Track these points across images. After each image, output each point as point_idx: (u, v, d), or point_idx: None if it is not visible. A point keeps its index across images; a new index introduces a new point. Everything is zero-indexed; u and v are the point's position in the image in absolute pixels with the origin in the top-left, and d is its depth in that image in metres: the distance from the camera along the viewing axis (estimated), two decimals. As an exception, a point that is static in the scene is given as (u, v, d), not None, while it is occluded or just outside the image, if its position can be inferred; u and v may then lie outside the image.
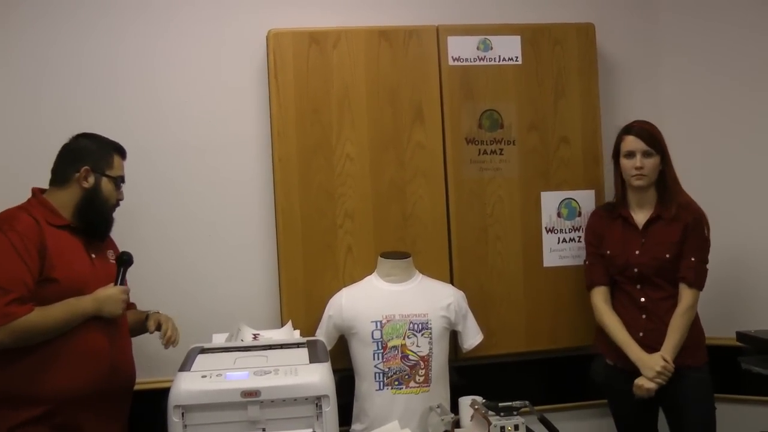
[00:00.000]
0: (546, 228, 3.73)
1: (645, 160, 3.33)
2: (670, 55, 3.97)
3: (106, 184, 3.00)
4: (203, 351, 2.91)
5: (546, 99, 3.73)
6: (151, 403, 3.37)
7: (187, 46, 3.59)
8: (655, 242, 3.36)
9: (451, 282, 3.60)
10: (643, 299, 3.38)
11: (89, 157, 2.98)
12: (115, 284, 2.98)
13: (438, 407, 3.19)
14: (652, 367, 3.26)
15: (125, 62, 3.54)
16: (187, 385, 2.57)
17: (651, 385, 3.27)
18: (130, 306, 3.23)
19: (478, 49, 3.67)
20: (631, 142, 3.35)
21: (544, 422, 3.07)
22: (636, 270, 3.37)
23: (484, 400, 3.15)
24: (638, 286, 3.39)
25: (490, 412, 3.04)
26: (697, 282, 3.32)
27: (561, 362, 3.83)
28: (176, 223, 3.57)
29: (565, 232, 3.74)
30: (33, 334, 2.74)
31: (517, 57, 3.70)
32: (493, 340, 3.61)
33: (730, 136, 3.59)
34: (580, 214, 3.75)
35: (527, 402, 3.09)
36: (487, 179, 3.67)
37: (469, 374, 3.60)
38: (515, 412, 3.04)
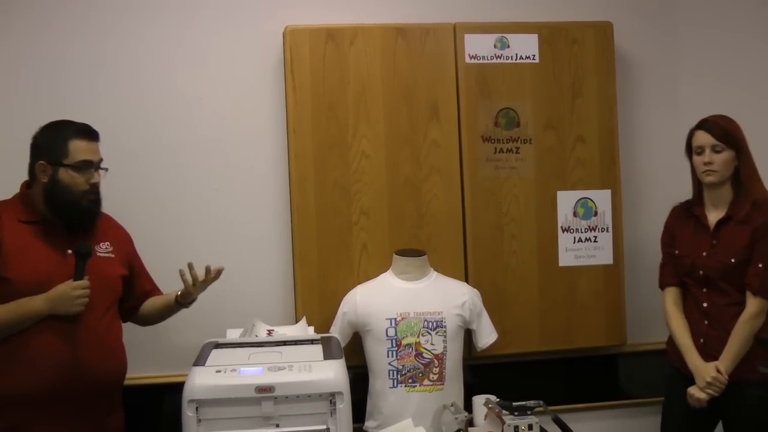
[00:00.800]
0: (562, 227, 3.71)
1: (714, 155, 3.19)
2: (688, 54, 3.94)
3: (63, 174, 2.87)
4: (218, 346, 2.91)
5: (563, 98, 3.71)
6: (162, 397, 3.41)
7: (205, 42, 3.59)
8: (723, 245, 3.21)
9: (466, 280, 3.59)
10: (705, 304, 3.26)
11: (42, 150, 2.90)
12: (74, 280, 2.83)
13: (452, 406, 3.19)
14: (703, 376, 3.16)
15: (143, 58, 3.55)
16: (202, 380, 2.57)
17: (702, 396, 3.17)
18: (155, 292, 3.25)
19: (495, 47, 3.65)
20: (700, 137, 3.23)
21: (558, 422, 3.06)
22: (701, 273, 3.25)
23: (497, 399, 3.15)
24: (704, 290, 3.27)
25: (504, 412, 3.04)
26: (763, 290, 3.13)
27: (575, 362, 3.82)
28: (191, 218, 3.57)
29: (581, 232, 3.72)
30: None
31: (534, 55, 3.68)
32: (507, 339, 3.60)
33: (750, 137, 3.55)
34: (596, 214, 3.73)
35: (541, 402, 3.08)
36: (503, 178, 3.66)
37: (483, 373, 3.61)
38: (529, 412, 3.03)
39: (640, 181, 3.88)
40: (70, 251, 2.87)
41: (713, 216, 3.28)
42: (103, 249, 3.01)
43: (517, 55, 3.67)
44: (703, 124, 3.25)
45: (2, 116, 3.42)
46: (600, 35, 3.73)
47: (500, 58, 3.65)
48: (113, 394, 3.01)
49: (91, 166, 2.93)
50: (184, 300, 3.15)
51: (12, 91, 3.47)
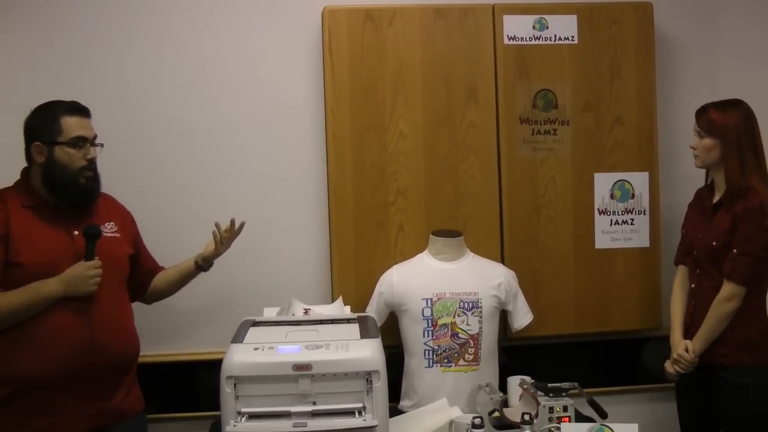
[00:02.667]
0: (599, 209, 3.68)
1: (697, 139, 3.26)
2: (728, 36, 3.89)
3: (59, 152, 2.86)
4: (255, 324, 2.91)
5: (601, 79, 3.67)
6: (202, 373, 3.43)
7: (245, 22, 3.58)
8: (712, 228, 3.26)
9: (502, 261, 3.57)
10: (693, 285, 3.33)
11: (36, 131, 2.88)
12: (85, 260, 2.84)
13: (487, 386, 3.18)
14: (673, 352, 3.28)
15: (182, 40, 3.56)
16: (240, 357, 2.57)
17: (671, 370, 3.28)
18: (158, 269, 3.28)
19: (533, 28, 3.61)
20: (695, 121, 3.29)
21: (593, 405, 3.05)
22: (695, 253, 3.31)
23: (532, 381, 3.14)
24: (697, 271, 3.32)
25: (539, 393, 3.03)
26: (734, 275, 3.14)
27: (610, 345, 3.80)
28: (231, 198, 3.58)
29: (618, 214, 3.69)
30: None
31: (573, 36, 3.64)
32: (543, 320, 3.58)
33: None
34: (633, 196, 3.69)
35: (576, 384, 3.08)
36: (540, 159, 3.63)
37: (518, 354, 3.60)
38: (564, 394, 3.03)
39: (678, 163, 3.82)
40: (77, 232, 2.87)
41: (715, 199, 3.31)
42: (109, 229, 3.00)
43: (555, 36, 3.63)
44: (699, 109, 3.30)
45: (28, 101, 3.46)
46: (640, 16, 3.68)
47: (539, 39, 3.62)
48: (128, 373, 3.01)
49: (86, 141, 2.91)
50: (205, 263, 3.24)
51: (43, 70, 3.49)
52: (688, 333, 3.29)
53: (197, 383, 3.51)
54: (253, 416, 2.54)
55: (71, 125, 2.88)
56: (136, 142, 3.50)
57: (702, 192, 3.40)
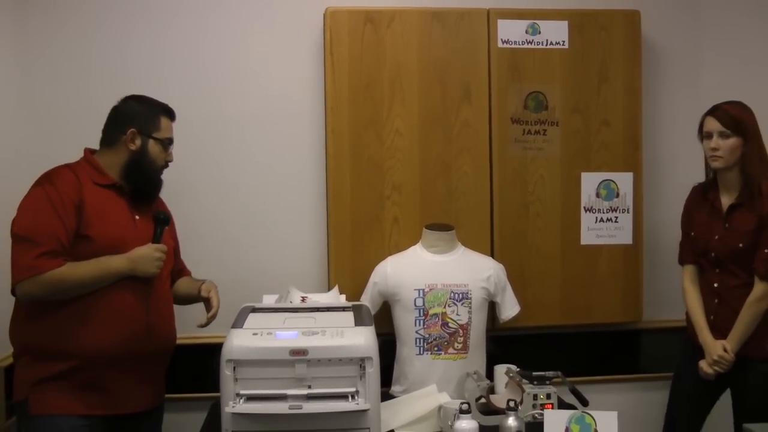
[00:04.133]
0: (585, 207, 3.67)
1: (721, 141, 3.17)
2: (712, 44, 3.87)
3: (152, 146, 2.88)
4: (254, 310, 2.91)
5: (590, 83, 3.66)
6: (202, 356, 3.42)
7: (248, 22, 3.57)
8: (733, 229, 3.20)
9: (492, 255, 3.56)
10: (716, 284, 3.27)
11: (136, 120, 2.87)
12: (153, 243, 2.84)
13: (474, 373, 3.18)
14: (711, 354, 3.20)
15: (187, 38, 3.54)
16: (239, 341, 2.57)
17: (710, 371, 3.21)
18: (185, 273, 3.21)
19: (526, 32, 3.60)
20: (710, 123, 3.21)
21: (575, 393, 3.05)
22: (713, 254, 3.25)
23: (518, 369, 3.14)
24: (716, 270, 3.27)
25: (524, 381, 3.03)
26: None
27: (593, 337, 3.80)
28: (234, 190, 3.57)
29: (603, 212, 3.68)
30: (62, 288, 2.65)
31: (564, 41, 3.62)
32: (529, 312, 3.57)
33: (766, 128, 3.49)
34: (618, 195, 3.69)
35: (559, 373, 3.09)
36: (530, 158, 3.62)
37: (505, 344, 3.59)
38: (548, 382, 3.04)
39: (661, 165, 3.83)
40: (137, 217, 2.87)
41: (725, 200, 3.27)
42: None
43: (547, 40, 3.61)
44: (714, 111, 3.24)
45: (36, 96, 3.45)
46: (628, 23, 3.67)
47: (531, 43, 3.60)
48: (168, 357, 3.00)
49: (171, 144, 2.96)
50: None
51: (50, 65, 3.48)
52: (715, 329, 3.24)
53: (198, 366, 3.50)
54: (251, 398, 2.54)
55: (166, 126, 2.93)
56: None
57: (708, 193, 3.33)
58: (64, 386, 2.69)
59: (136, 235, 2.82)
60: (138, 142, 2.85)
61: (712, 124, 3.21)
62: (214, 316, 2.98)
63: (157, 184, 2.96)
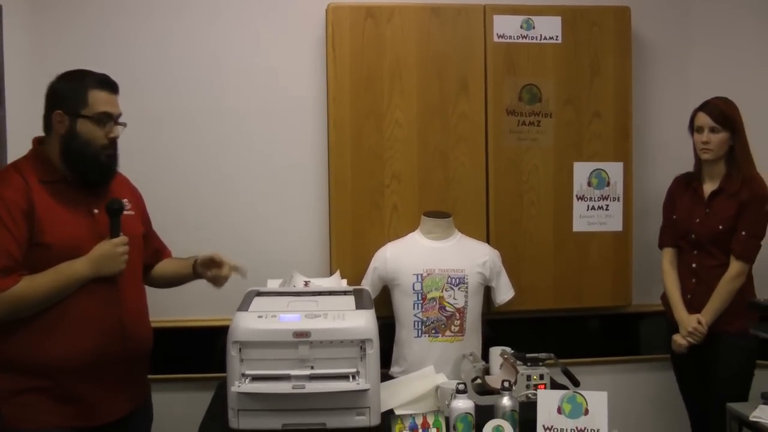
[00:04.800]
0: (577, 196, 3.69)
1: (711, 135, 3.30)
2: (699, 40, 3.88)
3: (82, 126, 2.49)
4: (259, 294, 2.93)
5: (582, 76, 3.66)
6: (209, 338, 3.44)
7: (253, 16, 3.57)
8: (714, 213, 3.33)
9: (487, 242, 3.57)
10: (694, 265, 3.40)
11: (61, 100, 2.50)
12: (110, 238, 2.51)
13: (470, 355, 3.20)
14: (686, 326, 3.33)
15: (194, 32, 3.55)
16: (245, 324, 2.59)
17: (683, 342, 3.34)
18: (165, 254, 2.97)
19: (521, 27, 3.60)
20: (701, 118, 3.34)
21: (567, 374, 3.07)
22: (694, 237, 3.38)
23: (512, 351, 3.16)
24: (694, 252, 3.40)
25: (518, 362, 3.05)
26: (744, 255, 3.28)
27: (585, 319, 3.82)
28: (239, 178, 3.58)
29: (594, 200, 3.69)
30: (24, 307, 2.38)
31: (557, 36, 3.63)
32: (523, 296, 3.59)
33: (753, 118, 3.50)
34: (608, 184, 3.70)
35: (552, 354, 3.11)
36: (524, 149, 3.63)
37: (500, 327, 3.60)
38: (541, 363, 3.06)
39: (650, 155, 3.84)
40: (96, 210, 2.55)
41: (708, 187, 3.40)
42: (125, 206, 2.65)
43: (541, 35, 3.62)
44: (705, 106, 3.35)
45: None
46: (618, 19, 3.67)
47: (526, 38, 3.61)
48: (147, 356, 2.76)
49: (111, 119, 2.55)
50: (203, 272, 2.84)
51: (60, 56, 3.43)
52: (691, 307, 3.37)
53: (206, 347, 3.52)
54: (255, 378, 2.56)
55: (98, 100, 2.52)
56: (147, 127, 3.47)
57: (692, 181, 3.44)
58: (38, 399, 2.44)
59: (98, 231, 2.53)
60: (66, 123, 2.49)
61: (703, 119, 3.32)
62: (236, 268, 2.81)
63: (103, 168, 2.58)
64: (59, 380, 2.45)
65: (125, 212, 2.60)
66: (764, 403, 2.98)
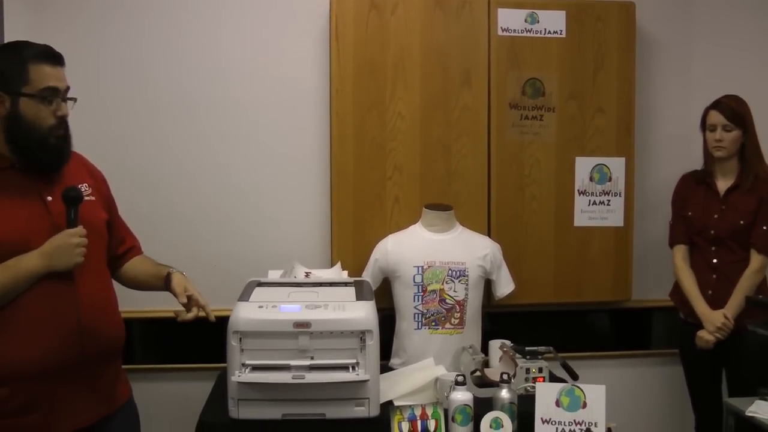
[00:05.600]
0: (578, 190, 3.67)
1: (724, 133, 3.33)
2: (703, 37, 3.86)
3: (25, 105, 2.22)
4: (260, 284, 2.93)
5: (586, 71, 3.65)
6: (208, 328, 3.43)
7: (258, 7, 3.55)
8: (732, 209, 3.36)
9: (488, 235, 3.56)
10: (715, 260, 3.40)
11: (1, 78, 2.23)
12: (67, 228, 2.26)
13: (470, 348, 3.19)
14: (713, 322, 3.31)
15: (199, 22, 3.52)
16: (246, 314, 2.59)
17: (710, 338, 3.32)
18: (136, 251, 2.72)
19: (525, 21, 3.59)
20: (713, 117, 3.36)
21: (566, 367, 3.07)
22: (712, 232, 3.39)
23: (512, 344, 3.16)
24: (713, 248, 3.40)
25: (517, 355, 3.06)
26: (766, 248, 3.30)
27: (584, 314, 3.81)
28: (240, 169, 3.56)
29: (596, 195, 3.68)
30: None
31: (561, 30, 3.61)
32: (523, 290, 3.58)
33: (755, 118, 3.49)
34: (610, 179, 3.69)
35: (551, 348, 3.11)
36: (526, 142, 3.62)
37: (500, 320, 3.60)
38: (540, 357, 3.06)
39: (652, 151, 3.83)
40: (50, 198, 2.29)
41: (722, 184, 3.42)
42: (84, 192, 2.39)
43: (545, 29, 3.60)
44: (717, 105, 3.37)
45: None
46: (623, 14, 3.66)
47: (530, 32, 3.59)
48: (118, 358, 2.51)
49: (57, 94, 2.28)
50: (175, 292, 2.56)
51: (67, 44, 3.44)
52: (712, 303, 3.36)
53: (206, 337, 3.51)
54: (256, 368, 2.57)
55: (41, 74, 2.24)
56: (148, 117, 3.48)
57: (705, 178, 3.45)
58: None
59: (53, 221, 2.27)
60: (6, 104, 2.23)
61: (716, 118, 3.35)
62: (207, 314, 2.54)
63: (54, 151, 2.30)
64: (14, 389, 2.20)
65: (85, 198, 2.36)
66: (760, 399, 2.98)
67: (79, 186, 2.37)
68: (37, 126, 2.24)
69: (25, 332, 2.21)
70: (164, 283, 2.58)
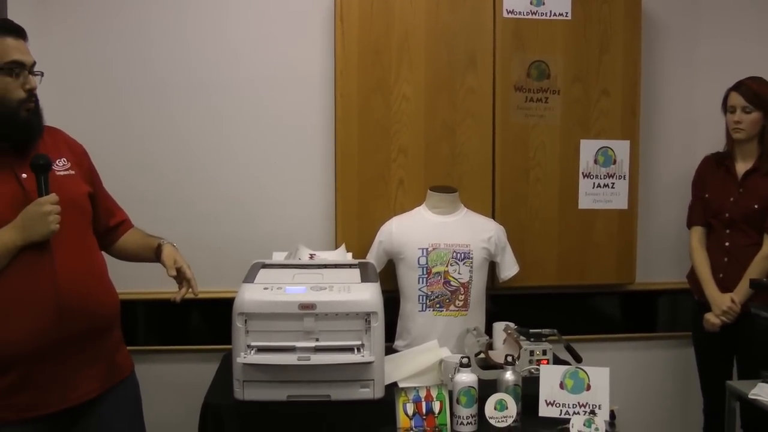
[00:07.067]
0: (583, 173, 3.65)
1: (744, 115, 3.32)
2: (709, 18, 3.83)
3: None
4: (264, 266, 2.92)
5: (591, 53, 3.62)
6: (213, 309, 3.43)
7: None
8: (748, 192, 3.34)
9: (493, 217, 3.55)
10: (728, 243, 3.39)
11: None
12: (39, 197, 2.20)
13: (474, 330, 3.19)
14: (719, 305, 3.32)
15: (201, 3, 3.49)
16: (251, 295, 2.58)
17: (716, 321, 3.33)
18: (127, 225, 2.69)
19: (531, 3, 3.55)
20: (734, 98, 3.36)
21: (570, 350, 3.07)
22: (727, 215, 3.38)
23: (516, 326, 3.15)
24: (727, 231, 3.39)
25: (521, 337, 3.05)
26: None
27: (588, 296, 3.80)
28: (245, 150, 3.54)
29: (600, 178, 3.66)
30: None
31: (567, 12, 3.58)
32: (528, 272, 3.57)
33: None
34: (615, 162, 3.66)
35: (555, 330, 3.10)
36: (531, 125, 3.59)
37: (504, 302, 3.59)
38: (544, 339, 3.06)
39: (657, 133, 3.81)
40: (25, 175, 2.24)
41: (741, 167, 3.41)
42: (61, 166, 2.36)
43: (551, 11, 3.57)
44: (739, 87, 3.36)
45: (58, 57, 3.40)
46: (629, -4, 3.64)
47: (535, 14, 3.56)
48: (111, 333, 2.45)
49: (24, 68, 2.22)
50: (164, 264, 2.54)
51: (72, 28, 3.42)
52: (722, 286, 3.36)
53: (211, 319, 3.52)
54: (261, 350, 2.56)
55: (4, 47, 2.19)
56: (151, 99, 3.46)
57: (724, 160, 3.45)
58: None
59: (26, 198, 2.21)
60: None
61: (736, 99, 3.34)
62: (192, 288, 2.53)
63: (25, 125, 2.25)
64: (4, 368, 2.19)
65: (61, 173, 2.34)
66: (763, 382, 2.98)
67: (58, 161, 2.34)
68: (6, 100, 2.19)
69: (2, 313, 2.17)
70: (155, 255, 2.57)
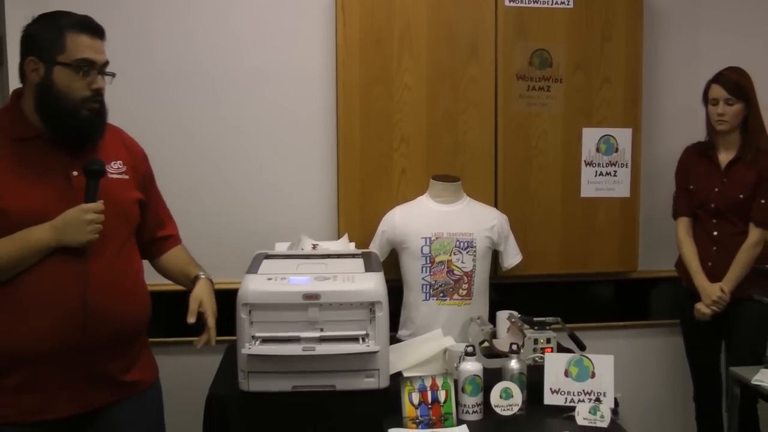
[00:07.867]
0: (585, 161, 3.64)
1: (727, 107, 3.32)
2: (711, 9, 3.82)
3: (59, 74, 2.15)
4: (267, 257, 2.91)
5: (593, 41, 3.60)
6: (217, 301, 3.42)
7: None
8: (733, 182, 3.35)
9: (496, 206, 3.53)
10: (716, 233, 3.40)
11: (35, 45, 2.17)
12: (85, 203, 2.16)
13: (478, 318, 3.18)
14: (709, 295, 3.34)
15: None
16: (255, 286, 2.57)
17: (707, 311, 3.35)
18: (173, 240, 2.64)
19: (533, -9, 3.55)
20: (715, 90, 3.35)
21: (574, 338, 3.07)
22: (713, 205, 3.40)
23: (519, 315, 3.15)
24: (714, 221, 3.40)
25: (525, 326, 3.05)
26: (765, 222, 3.31)
27: (591, 285, 3.80)
28: (247, 141, 3.52)
29: (603, 166, 3.65)
30: None
31: (568, 1, 3.56)
32: (530, 261, 3.56)
33: (763, 89, 3.46)
34: (617, 150, 3.65)
35: (559, 319, 3.10)
36: (533, 114, 3.58)
37: (507, 291, 3.58)
38: (548, 327, 3.06)
39: (658, 121, 3.80)
40: (76, 173, 2.19)
41: (724, 157, 3.41)
42: (116, 169, 2.31)
43: (552, 0, 3.55)
44: (719, 78, 3.36)
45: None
46: (631, -17, 3.62)
47: (537, 2, 3.54)
48: (135, 342, 2.37)
49: (94, 67, 2.20)
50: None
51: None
52: (712, 275, 3.38)
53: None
54: (266, 340, 2.56)
55: (78, 44, 2.17)
56: (153, 88, 3.44)
57: (708, 151, 3.45)
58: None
59: (73, 196, 2.17)
60: (41, 71, 2.16)
61: (718, 92, 3.34)
62: (209, 338, 2.43)
63: (85, 124, 2.21)
64: (11, 368, 2.14)
65: (115, 176, 2.30)
66: (766, 367, 2.98)
67: (113, 163, 2.31)
68: (69, 96, 2.17)
69: (28, 309, 2.13)
70: (191, 285, 2.53)
